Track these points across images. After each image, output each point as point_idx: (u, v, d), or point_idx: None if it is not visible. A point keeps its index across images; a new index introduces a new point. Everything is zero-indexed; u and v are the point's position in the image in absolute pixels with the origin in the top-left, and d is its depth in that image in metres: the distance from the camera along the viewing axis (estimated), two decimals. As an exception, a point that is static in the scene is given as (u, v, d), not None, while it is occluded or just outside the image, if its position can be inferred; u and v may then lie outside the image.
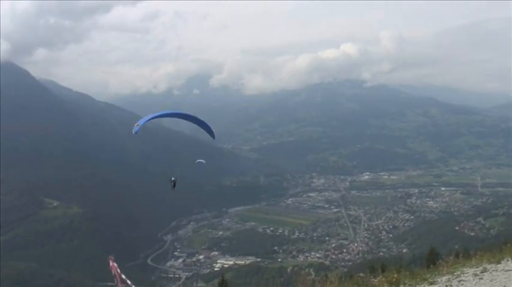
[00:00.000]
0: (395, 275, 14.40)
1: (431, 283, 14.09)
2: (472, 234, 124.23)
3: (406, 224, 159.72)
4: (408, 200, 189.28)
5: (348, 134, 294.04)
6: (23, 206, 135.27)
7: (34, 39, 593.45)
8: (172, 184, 25.52)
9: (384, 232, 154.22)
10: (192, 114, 24.59)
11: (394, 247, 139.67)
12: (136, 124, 21.12)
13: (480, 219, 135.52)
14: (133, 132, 20.83)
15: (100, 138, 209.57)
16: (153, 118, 21.51)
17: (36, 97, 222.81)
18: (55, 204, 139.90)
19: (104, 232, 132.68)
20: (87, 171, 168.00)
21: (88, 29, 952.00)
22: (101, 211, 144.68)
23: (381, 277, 16.32)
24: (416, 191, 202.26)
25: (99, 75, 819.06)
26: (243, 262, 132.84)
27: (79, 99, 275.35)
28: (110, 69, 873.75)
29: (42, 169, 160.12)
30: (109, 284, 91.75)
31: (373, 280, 16.10)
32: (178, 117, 23.04)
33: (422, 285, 14.00)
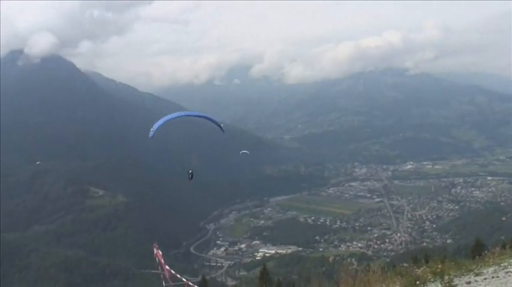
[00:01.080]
0: (439, 266, 14.15)
1: (477, 274, 13.82)
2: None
3: (450, 214, 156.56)
4: (453, 190, 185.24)
5: (391, 123, 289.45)
6: (69, 195, 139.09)
7: (79, 32, 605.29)
8: (190, 175, 28.00)
9: (427, 222, 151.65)
10: (200, 112, 27.43)
11: (438, 237, 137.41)
12: (151, 129, 23.05)
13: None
14: (149, 137, 22.73)
15: (144, 129, 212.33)
16: (165, 121, 23.10)
17: (82, 89, 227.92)
18: (100, 193, 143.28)
19: (147, 220, 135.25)
20: (132, 161, 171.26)
21: (131, 21, 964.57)
22: (144, 200, 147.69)
23: (424, 267, 16.09)
24: (461, 180, 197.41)
25: (142, 66, 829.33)
26: (284, 251, 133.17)
27: (123, 91, 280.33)
28: (152, 60, 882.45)
29: (87, 159, 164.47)
30: (152, 271, 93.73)
31: (416, 270, 15.89)
32: (187, 116, 25.32)
33: (468, 276, 13.75)
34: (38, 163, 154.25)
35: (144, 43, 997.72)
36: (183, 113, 23.86)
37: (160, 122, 23.02)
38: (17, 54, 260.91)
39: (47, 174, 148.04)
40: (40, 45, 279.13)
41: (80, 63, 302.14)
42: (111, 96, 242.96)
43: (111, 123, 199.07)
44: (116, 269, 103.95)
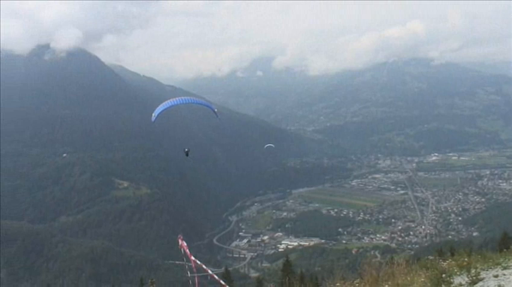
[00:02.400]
0: (466, 259, 13.91)
1: (504, 268, 13.53)
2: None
3: (476, 207, 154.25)
4: (479, 182, 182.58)
5: (415, 114, 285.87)
6: (95, 186, 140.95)
7: (103, 26, 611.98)
8: (186, 153, 30.56)
9: (452, 215, 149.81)
10: (197, 99, 29.07)
11: (463, 230, 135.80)
12: (153, 114, 24.19)
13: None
14: (152, 120, 24.06)
15: (167, 122, 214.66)
16: (165, 109, 24.12)
17: (107, 82, 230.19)
18: (125, 185, 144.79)
19: (171, 212, 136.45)
20: (155, 153, 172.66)
21: (154, 14, 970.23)
22: (168, 191, 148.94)
23: (450, 260, 15.83)
24: (488, 172, 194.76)
25: (165, 59, 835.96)
26: (307, 243, 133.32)
27: (147, 84, 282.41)
28: (175, 53, 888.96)
29: (112, 151, 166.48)
30: (177, 262, 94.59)
31: (442, 263, 15.65)
32: (186, 103, 26.33)
33: (495, 270, 13.48)
34: (64, 155, 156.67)
35: (168, 36, 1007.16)
36: (181, 100, 25.02)
37: (160, 108, 24.07)
38: (43, 48, 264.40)
39: (73, 166, 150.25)
40: (66, 39, 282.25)
41: (104, 57, 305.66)
42: (135, 89, 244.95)
43: (134, 116, 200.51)
44: (140, 260, 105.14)
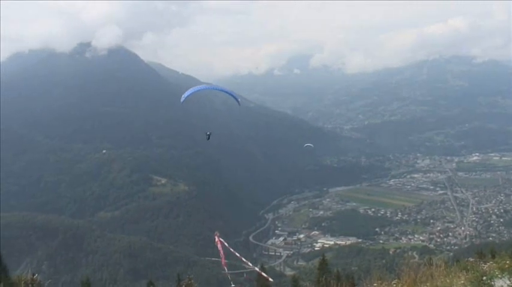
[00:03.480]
0: (507, 262, 13.61)
1: (548, 272, 13.19)
2: None
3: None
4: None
5: (456, 113, 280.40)
6: (133, 183, 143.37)
7: (143, 24, 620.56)
8: (207, 136, 31.56)
9: (493, 216, 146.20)
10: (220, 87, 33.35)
11: (505, 232, 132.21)
12: (182, 95, 26.98)
13: None
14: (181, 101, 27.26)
15: (205, 119, 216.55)
16: (193, 92, 26.70)
17: (146, 80, 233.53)
18: (163, 181, 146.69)
19: (208, 209, 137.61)
20: (193, 150, 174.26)
21: (194, 13, 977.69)
22: (205, 189, 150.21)
23: (491, 262, 15.50)
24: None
25: (203, 57, 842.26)
26: (343, 243, 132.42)
27: (185, 81, 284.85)
28: (214, 51, 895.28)
29: (151, 148, 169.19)
30: (213, 259, 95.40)
31: (482, 265, 15.34)
32: (212, 90, 32.07)
33: (538, 273, 13.15)
34: (104, 151, 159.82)
35: (206, 34, 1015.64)
36: (206, 87, 30.91)
37: (189, 91, 26.71)
38: (84, 46, 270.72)
39: (112, 162, 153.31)
40: (106, 37, 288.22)
41: (144, 55, 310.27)
42: (173, 86, 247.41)
43: (173, 113, 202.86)
44: (177, 256, 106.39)
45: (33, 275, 14.92)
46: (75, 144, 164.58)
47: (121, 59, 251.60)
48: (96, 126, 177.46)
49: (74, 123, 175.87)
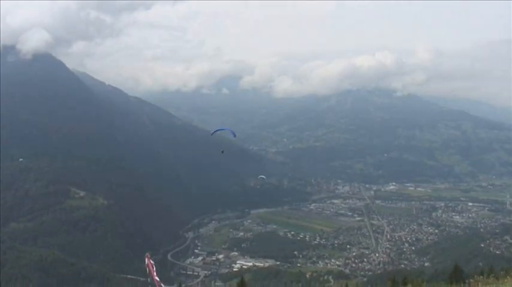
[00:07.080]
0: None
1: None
2: (497, 252, 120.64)
3: (429, 238, 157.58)
4: (433, 214, 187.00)
5: (376, 143, 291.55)
6: (50, 194, 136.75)
7: (74, 32, 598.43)
8: (222, 152, 36.07)
9: (406, 244, 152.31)
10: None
11: (416, 260, 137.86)
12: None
13: (507, 237, 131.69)
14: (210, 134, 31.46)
15: (129, 133, 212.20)
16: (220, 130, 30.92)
17: (70, 88, 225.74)
18: (81, 194, 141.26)
19: (126, 224, 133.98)
20: (115, 164, 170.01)
21: (127, 25, 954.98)
22: (125, 204, 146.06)
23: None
24: (443, 204, 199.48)
25: (133, 70, 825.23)
26: (262, 264, 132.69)
27: (111, 93, 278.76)
28: (145, 65, 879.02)
29: (70, 160, 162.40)
30: (129, 276, 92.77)
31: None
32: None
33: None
34: (20, 159, 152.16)
35: (139, 48, 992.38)
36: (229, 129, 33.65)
37: (219, 128, 29.91)
38: (8, 49, 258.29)
39: (29, 172, 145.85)
40: (32, 42, 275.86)
41: (71, 63, 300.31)
42: (98, 97, 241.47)
43: (96, 125, 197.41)
44: (91, 272, 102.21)
45: None
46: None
47: (45, 65, 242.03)
48: (13, 134, 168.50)
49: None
